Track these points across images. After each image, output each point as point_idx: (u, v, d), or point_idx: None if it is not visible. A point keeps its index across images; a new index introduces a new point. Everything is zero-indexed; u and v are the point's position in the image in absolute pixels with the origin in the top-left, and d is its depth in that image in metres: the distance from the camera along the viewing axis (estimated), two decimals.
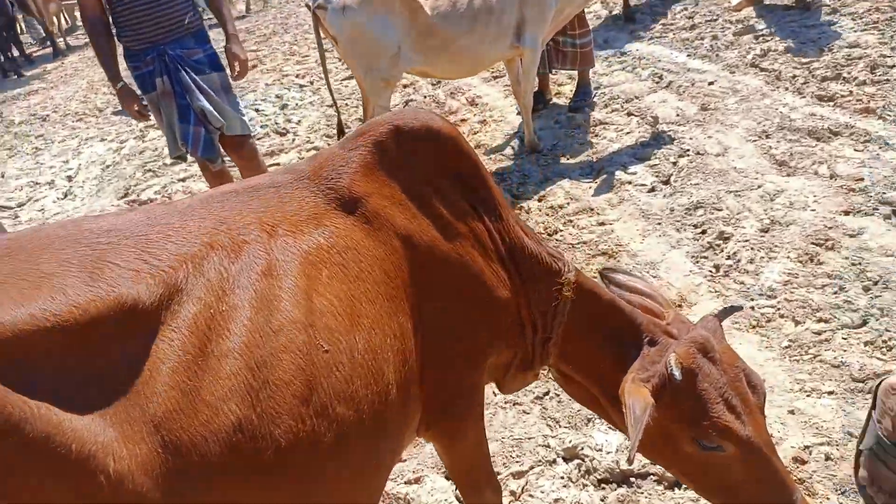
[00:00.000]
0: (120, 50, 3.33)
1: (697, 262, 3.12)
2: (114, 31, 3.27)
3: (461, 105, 5.71)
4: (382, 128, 1.42)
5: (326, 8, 3.65)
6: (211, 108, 3.28)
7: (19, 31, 12.24)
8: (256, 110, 6.63)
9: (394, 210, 1.37)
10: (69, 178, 6.18)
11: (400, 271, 1.35)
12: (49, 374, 0.92)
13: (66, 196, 5.81)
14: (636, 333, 1.53)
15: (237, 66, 3.42)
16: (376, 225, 1.35)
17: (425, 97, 6.06)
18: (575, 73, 5.12)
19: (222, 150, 3.57)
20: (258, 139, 5.88)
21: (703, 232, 3.31)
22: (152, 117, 3.47)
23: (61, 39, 12.80)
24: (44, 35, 13.03)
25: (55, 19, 12.61)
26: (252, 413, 1.06)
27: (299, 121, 6.15)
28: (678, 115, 4.57)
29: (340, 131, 4.13)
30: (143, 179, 5.65)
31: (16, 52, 11.97)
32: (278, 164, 5.27)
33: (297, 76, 7.51)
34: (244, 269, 1.16)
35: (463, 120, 5.39)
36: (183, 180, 5.36)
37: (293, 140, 5.72)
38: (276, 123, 6.16)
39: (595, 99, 5.11)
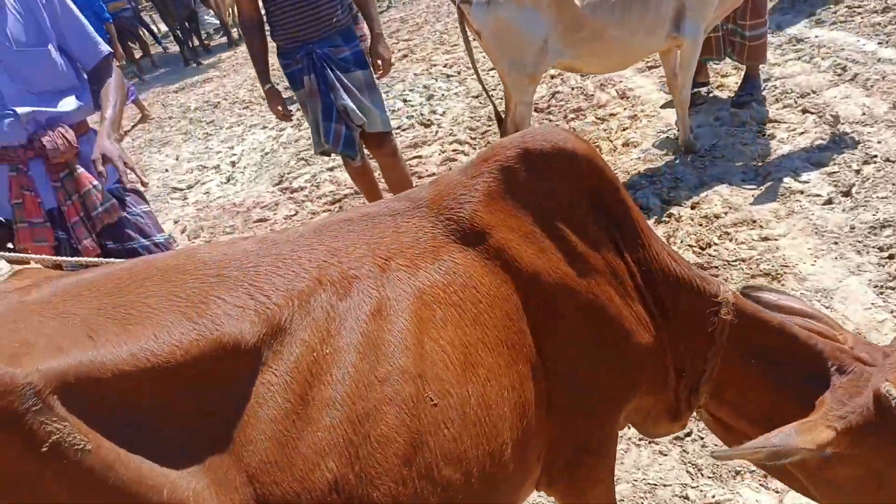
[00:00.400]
0: (273, 48, 3.46)
1: (882, 292, 2.68)
2: (267, 30, 3.40)
3: (611, 98, 5.40)
4: (509, 152, 1.29)
5: (471, 2, 3.55)
6: (353, 107, 3.33)
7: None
8: (404, 100, 6.71)
9: (520, 245, 1.24)
10: (233, 164, 6.60)
11: (524, 314, 1.22)
12: (148, 415, 0.90)
13: (228, 181, 6.21)
14: (819, 362, 1.29)
15: (380, 64, 3.44)
16: (500, 261, 1.23)
17: (573, 88, 5.80)
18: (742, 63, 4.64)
19: (364, 146, 3.63)
20: (403, 130, 5.94)
21: (891, 257, 2.85)
22: (296, 115, 3.59)
23: (235, 30, 13.78)
24: (217, 27, 14.11)
25: (230, 10, 13.60)
26: (350, 471, 0.98)
27: (444, 112, 6.14)
28: (864, 113, 3.99)
29: (500, 120, 4.01)
30: (296, 167, 5.91)
31: (196, 42, 13.07)
32: (420, 157, 5.28)
33: (444, 66, 7.51)
34: (352, 307, 1.08)
35: (612, 114, 5.09)
36: (331, 169, 5.54)
37: (436, 132, 5.71)
38: (422, 114, 6.19)
39: (764, 93, 4.60)
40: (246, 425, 0.94)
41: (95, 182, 2.32)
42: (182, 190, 6.28)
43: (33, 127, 2.20)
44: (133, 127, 8.89)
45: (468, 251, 1.23)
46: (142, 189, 2.53)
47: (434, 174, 4.93)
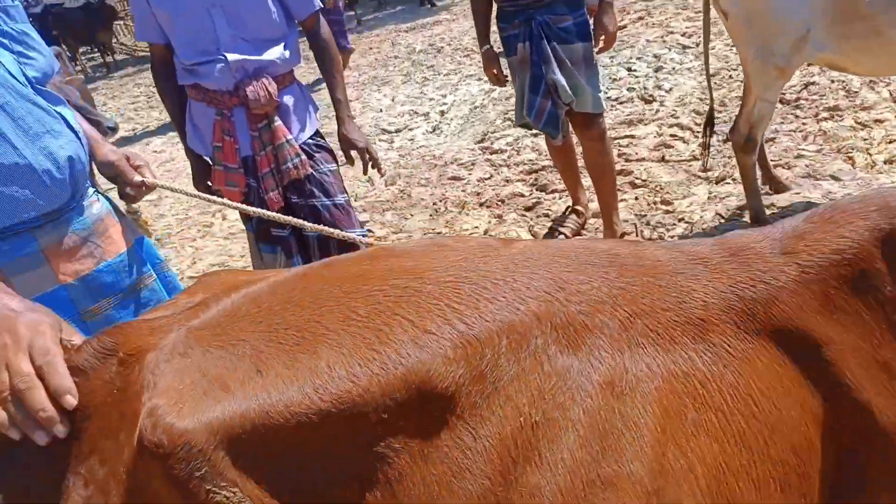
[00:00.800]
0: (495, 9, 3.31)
1: None
2: None
3: (881, 99, 4.49)
4: (854, 228, 0.89)
5: None
6: (564, 84, 3.06)
7: None
8: (628, 69, 6.20)
9: (852, 368, 0.88)
10: (441, 113, 6.62)
11: (820, 454, 0.88)
12: (319, 469, 0.76)
13: (434, 130, 6.24)
14: None
15: (602, 36, 3.13)
16: (804, 377, 0.88)
17: (833, 81, 4.92)
18: None
19: (570, 124, 3.37)
20: (620, 103, 5.50)
21: None
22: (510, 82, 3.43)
23: None
24: None
25: None
26: None
27: (670, 88, 5.56)
28: None
29: (709, 121, 3.51)
30: (500, 127, 5.76)
31: None
32: (633, 137, 4.85)
33: (682, 34, 6.80)
34: (576, 368, 0.82)
35: (878, 120, 4.23)
36: (535, 135, 5.30)
37: (657, 111, 5.20)
38: (645, 88, 5.67)
39: None
40: (438, 499, 0.75)
41: (290, 136, 2.34)
42: (390, 133, 6.43)
43: (240, 75, 2.24)
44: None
45: (752, 345, 0.88)
46: (378, 176, 2.69)
47: (644, 159, 4.50)
